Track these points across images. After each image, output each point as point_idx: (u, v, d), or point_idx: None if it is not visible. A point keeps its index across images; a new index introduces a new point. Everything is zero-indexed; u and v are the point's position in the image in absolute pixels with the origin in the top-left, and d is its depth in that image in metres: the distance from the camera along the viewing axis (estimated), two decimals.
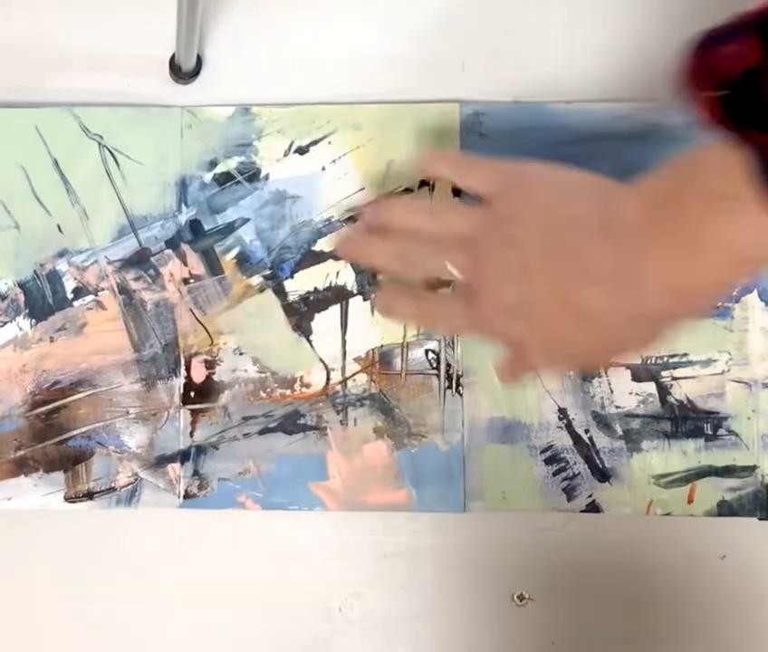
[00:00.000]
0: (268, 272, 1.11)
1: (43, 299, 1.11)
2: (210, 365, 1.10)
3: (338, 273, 1.11)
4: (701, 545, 1.11)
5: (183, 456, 1.10)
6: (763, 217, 0.70)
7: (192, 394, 1.10)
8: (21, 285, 1.11)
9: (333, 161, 1.12)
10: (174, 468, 1.10)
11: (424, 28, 1.15)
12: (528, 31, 1.15)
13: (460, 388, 1.10)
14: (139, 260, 1.11)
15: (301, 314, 1.11)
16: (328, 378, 1.11)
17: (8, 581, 1.12)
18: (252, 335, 1.11)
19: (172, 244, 1.11)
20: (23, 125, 1.11)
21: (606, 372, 1.10)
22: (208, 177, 1.12)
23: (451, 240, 0.94)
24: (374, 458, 1.10)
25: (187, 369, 1.10)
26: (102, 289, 1.11)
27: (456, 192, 1.11)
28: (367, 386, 1.11)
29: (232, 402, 1.10)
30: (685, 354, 1.10)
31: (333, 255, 1.11)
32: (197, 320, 1.11)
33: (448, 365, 1.10)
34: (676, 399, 1.10)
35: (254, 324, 1.11)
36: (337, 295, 1.11)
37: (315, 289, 1.11)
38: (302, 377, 1.11)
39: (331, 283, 1.11)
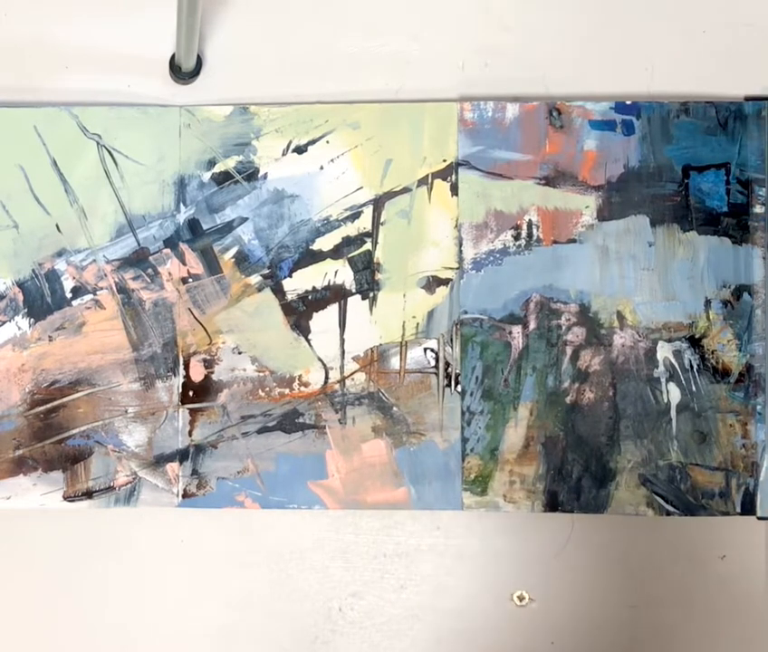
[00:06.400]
0: (267, 271, 1.11)
1: (41, 298, 1.11)
2: (209, 364, 1.11)
3: (336, 272, 1.11)
4: (701, 545, 1.11)
5: (182, 455, 1.10)
6: None
7: (191, 393, 1.10)
8: (19, 285, 1.11)
9: (332, 160, 1.12)
10: (173, 467, 1.10)
11: (424, 28, 1.15)
12: (527, 30, 1.15)
13: (459, 386, 1.10)
14: (138, 259, 1.11)
15: (299, 313, 1.11)
16: (326, 377, 1.11)
17: (7, 580, 1.12)
18: (250, 334, 1.11)
19: (170, 243, 1.11)
20: (21, 125, 1.11)
21: None
22: (207, 176, 1.12)
23: None
24: (373, 457, 1.10)
25: (186, 368, 1.10)
26: (101, 288, 1.11)
27: (455, 191, 1.11)
28: (365, 384, 1.11)
29: (231, 401, 1.10)
30: None
31: (332, 254, 1.12)
32: (196, 319, 1.11)
33: (447, 363, 1.10)
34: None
35: (252, 323, 1.11)
36: (335, 294, 1.11)
37: (314, 288, 1.11)
38: (300, 376, 1.11)
39: (329, 283, 1.11)
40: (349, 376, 1.10)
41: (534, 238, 1.11)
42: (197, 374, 1.10)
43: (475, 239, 1.11)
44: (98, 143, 1.11)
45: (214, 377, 1.10)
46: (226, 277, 1.11)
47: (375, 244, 1.11)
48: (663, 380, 1.10)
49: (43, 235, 1.11)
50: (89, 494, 1.10)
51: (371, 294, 1.11)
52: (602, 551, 1.11)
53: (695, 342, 1.10)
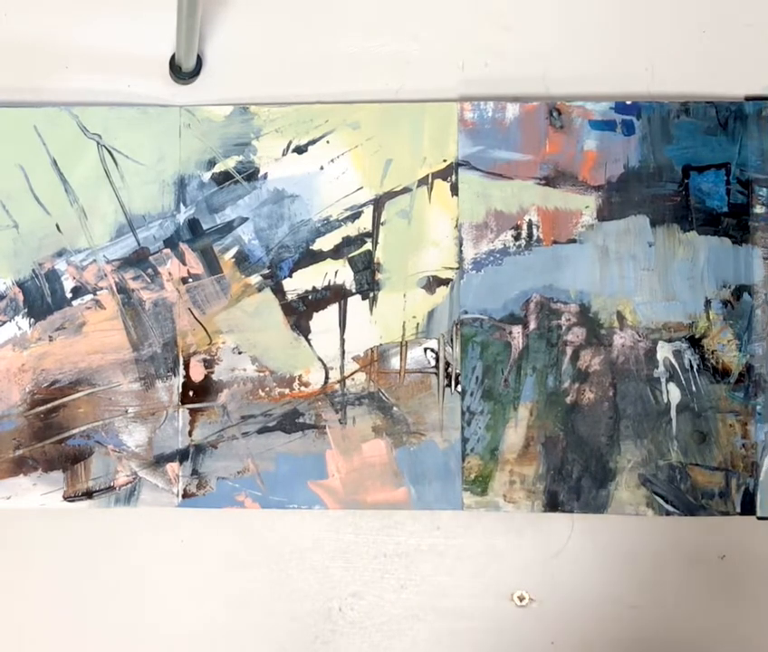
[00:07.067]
0: (267, 271, 1.11)
1: (41, 298, 1.11)
2: (209, 364, 1.11)
3: (336, 272, 1.11)
4: (701, 545, 1.11)
5: (182, 455, 1.10)
6: None
7: (191, 393, 1.10)
8: (20, 284, 1.11)
9: (332, 160, 1.12)
10: (173, 467, 1.10)
11: (424, 27, 1.15)
12: (527, 30, 1.15)
13: (459, 386, 1.10)
14: (138, 259, 1.11)
15: (299, 313, 1.11)
16: (326, 377, 1.11)
17: (7, 580, 1.12)
18: (250, 334, 1.11)
19: (170, 243, 1.11)
20: (21, 125, 1.11)
21: None
22: (207, 176, 1.12)
23: None
24: (373, 457, 1.10)
25: (186, 368, 1.10)
26: (101, 288, 1.11)
27: (455, 191, 1.11)
28: (366, 384, 1.11)
29: (231, 401, 1.10)
30: None
31: (332, 254, 1.12)
32: (196, 319, 1.11)
33: (447, 363, 1.10)
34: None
35: (252, 323, 1.11)
36: (335, 294, 1.11)
37: (314, 288, 1.11)
38: (300, 376, 1.11)
39: (329, 283, 1.11)
40: (349, 376, 1.10)
41: (534, 238, 1.11)
42: (197, 374, 1.10)
43: (475, 239, 1.11)
44: (98, 143, 1.11)
45: (214, 377, 1.10)
46: (226, 277, 1.11)
47: (375, 244, 1.11)
48: (663, 380, 1.10)
49: (43, 235, 1.11)
50: (89, 494, 1.10)
51: (371, 294, 1.11)
52: (602, 551, 1.11)
53: (695, 342, 1.10)
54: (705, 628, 1.10)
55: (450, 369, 1.10)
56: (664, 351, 1.10)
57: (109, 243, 1.11)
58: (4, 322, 1.11)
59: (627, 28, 1.14)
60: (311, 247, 1.12)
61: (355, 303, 1.11)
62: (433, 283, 1.11)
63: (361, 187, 1.12)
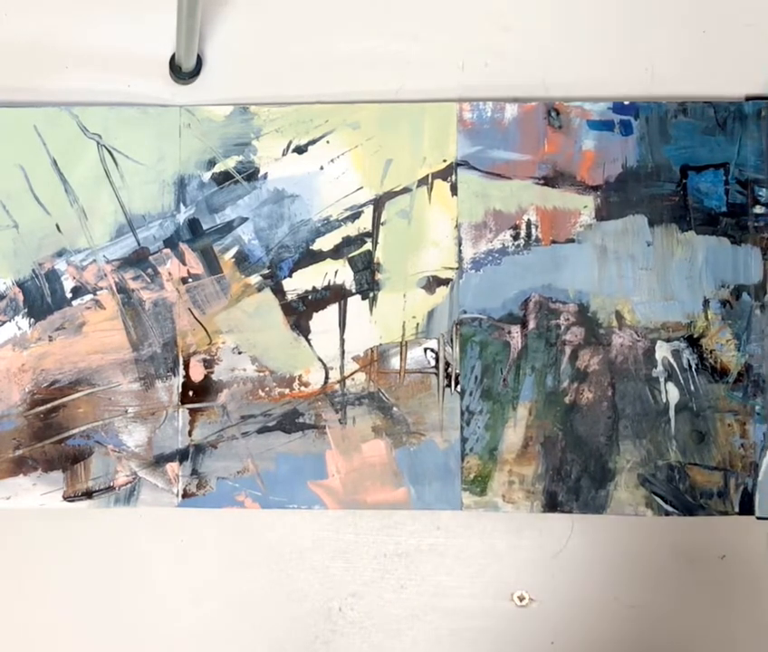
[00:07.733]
0: (267, 271, 1.11)
1: (41, 298, 1.11)
2: (209, 364, 1.11)
3: (336, 272, 1.11)
4: (701, 545, 1.11)
5: (182, 455, 1.10)
6: None
7: (191, 393, 1.10)
8: (19, 284, 1.11)
9: (332, 160, 1.12)
10: (173, 467, 1.10)
11: (424, 27, 1.15)
12: (527, 31, 1.15)
13: (459, 386, 1.10)
14: (138, 259, 1.11)
15: (299, 313, 1.11)
16: (326, 377, 1.11)
17: (7, 580, 1.12)
18: (250, 334, 1.11)
19: (170, 243, 1.11)
20: (21, 125, 1.11)
21: None
22: (207, 176, 1.12)
23: None
24: (373, 457, 1.10)
25: (186, 368, 1.10)
26: (101, 288, 1.11)
27: (455, 191, 1.11)
28: (365, 384, 1.11)
29: (230, 401, 1.10)
30: None
31: (332, 254, 1.12)
32: (196, 319, 1.11)
33: (447, 363, 1.10)
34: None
35: (252, 323, 1.11)
36: (335, 294, 1.11)
37: (314, 288, 1.11)
38: (300, 376, 1.11)
39: (329, 283, 1.11)
40: (349, 376, 1.11)
41: (533, 238, 1.12)
42: (197, 374, 1.10)
43: (474, 239, 1.11)
44: (98, 143, 1.11)
45: (214, 377, 1.10)
46: (226, 277, 1.11)
47: (375, 244, 1.11)
48: (662, 380, 1.10)
49: (43, 235, 1.11)
50: (89, 494, 1.10)
51: (371, 294, 1.11)
52: (602, 551, 1.11)
53: (693, 342, 1.11)
54: (705, 628, 1.11)
55: (450, 369, 1.10)
56: (662, 351, 1.11)
57: (109, 243, 1.11)
58: (4, 322, 1.11)
59: (626, 28, 1.14)
60: (311, 247, 1.12)
61: (355, 303, 1.11)
62: (433, 283, 1.11)
63: (361, 187, 1.12)
